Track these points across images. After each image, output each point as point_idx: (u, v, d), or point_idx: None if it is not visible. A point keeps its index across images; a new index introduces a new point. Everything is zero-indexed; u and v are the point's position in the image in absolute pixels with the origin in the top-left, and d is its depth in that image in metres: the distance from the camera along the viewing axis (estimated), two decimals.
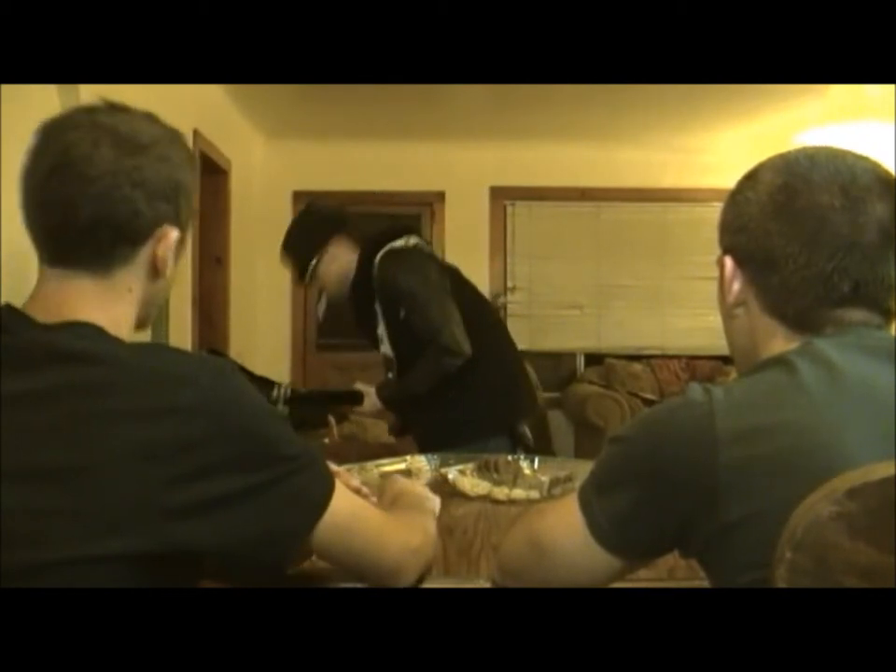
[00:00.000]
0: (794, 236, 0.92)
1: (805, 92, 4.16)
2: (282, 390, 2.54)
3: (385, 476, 1.63)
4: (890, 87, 3.94)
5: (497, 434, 2.64)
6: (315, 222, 2.79)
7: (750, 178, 0.99)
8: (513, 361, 2.85)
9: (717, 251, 1.02)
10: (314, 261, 2.71)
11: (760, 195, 0.95)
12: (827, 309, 0.92)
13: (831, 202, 0.91)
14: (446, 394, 2.61)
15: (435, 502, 1.44)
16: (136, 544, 0.85)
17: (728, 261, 0.98)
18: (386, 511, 1.24)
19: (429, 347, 2.56)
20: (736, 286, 0.98)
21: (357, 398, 2.72)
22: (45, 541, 0.84)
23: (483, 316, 2.80)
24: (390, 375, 2.78)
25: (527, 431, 2.79)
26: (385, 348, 2.76)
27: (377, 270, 2.66)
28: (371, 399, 2.69)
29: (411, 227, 2.87)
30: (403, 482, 1.51)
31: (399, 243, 2.71)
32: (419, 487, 1.49)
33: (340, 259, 2.72)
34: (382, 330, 2.75)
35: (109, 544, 0.84)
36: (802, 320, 0.93)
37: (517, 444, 2.71)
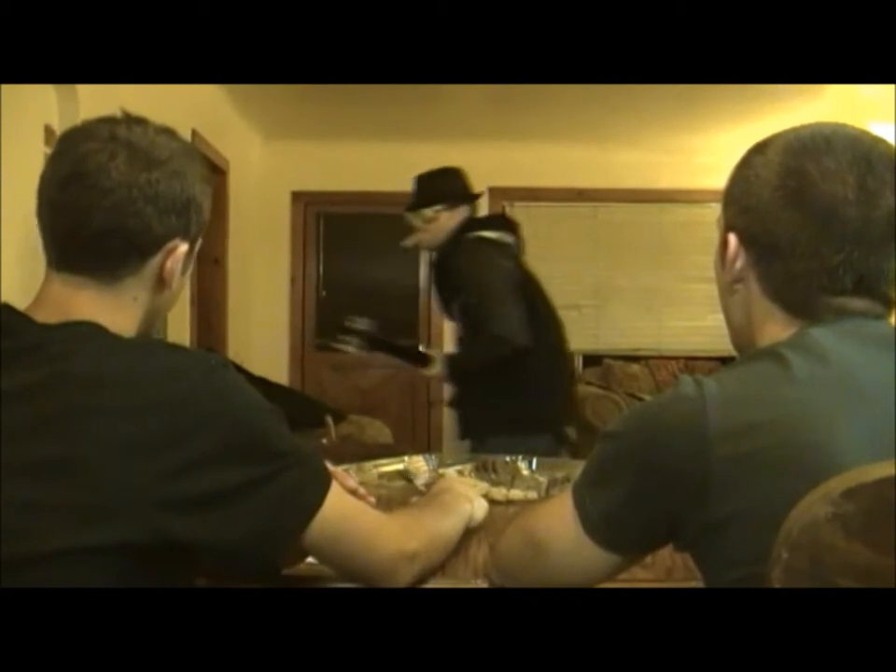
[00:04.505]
0: (803, 226, 0.90)
1: (800, 93, 4.17)
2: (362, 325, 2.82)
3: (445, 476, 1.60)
4: (885, 88, 3.94)
5: (538, 433, 2.73)
6: (463, 180, 2.94)
7: (762, 153, 0.95)
8: (566, 368, 3.04)
9: (713, 253, 1.01)
10: (437, 207, 2.86)
11: (770, 176, 0.92)
12: (828, 298, 0.91)
13: (845, 194, 0.88)
14: (500, 385, 2.73)
15: (475, 505, 1.40)
16: (128, 536, 0.86)
17: (732, 239, 0.96)
18: (412, 508, 1.24)
19: (484, 333, 2.71)
20: (738, 264, 0.96)
21: (425, 360, 2.90)
22: (37, 534, 0.84)
23: (549, 325, 2.93)
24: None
25: (572, 433, 2.91)
26: (456, 324, 2.94)
27: (461, 252, 2.83)
28: (438, 366, 2.83)
29: (512, 224, 3.03)
30: (452, 481, 1.49)
31: (491, 234, 2.87)
32: (465, 488, 1.46)
33: (449, 224, 2.86)
34: (455, 307, 2.90)
35: (101, 536, 0.85)
36: (801, 307, 0.92)
37: (562, 445, 2.84)
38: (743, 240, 0.95)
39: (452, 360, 2.84)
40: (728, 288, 0.99)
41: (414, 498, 1.32)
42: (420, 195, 2.91)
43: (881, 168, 0.89)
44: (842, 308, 0.91)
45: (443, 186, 2.90)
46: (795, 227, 0.90)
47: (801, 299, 0.92)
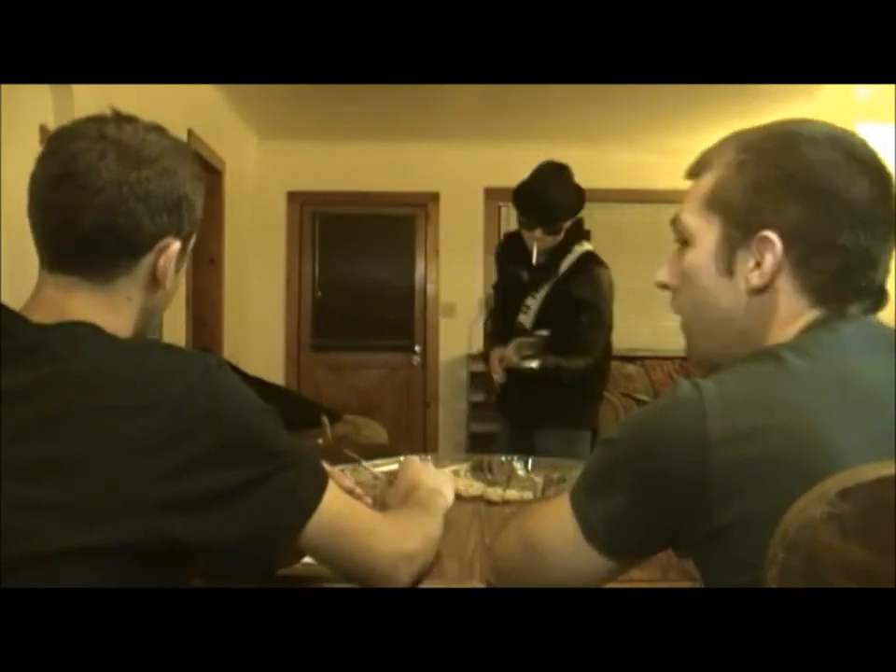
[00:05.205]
0: (848, 218, 0.89)
1: (795, 94, 4.17)
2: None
3: (404, 460, 1.61)
4: (879, 88, 3.95)
5: (581, 429, 2.92)
6: (579, 192, 2.98)
7: (792, 148, 0.93)
8: (609, 367, 3.18)
9: (706, 256, 0.99)
10: (567, 223, 2.94)
11: (808, 169, 0.91)
12: (859, 293, 0.92)
13: (872, 189, 0.90)
14: (552, 384, 2.88)
15: (447, 496, 1.43)
16: (126, 537, 0.86)
17: (776, 239, 0.91)
18: (397, 505, 1.25)
19: (582, 352, 2.86)
20: (776, 266, 0.91)
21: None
22: (35, 534, 0.84)
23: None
24: (518, 340, 2.96)
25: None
26: (526, 319, 3.00)
27: (574, 261, 2.95)
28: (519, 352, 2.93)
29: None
30: (416, 470, 1.49)
31: (590, 247, 3.02)
32: (432, 477, 1.47)
33: (563, 229, 2.94)
34: (534, 304, 2.99)
35: (99, 537, 0.85)
36: (838, 302, 0.92)
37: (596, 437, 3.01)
38: (784, 237, 0.91)
39: (550, 368, 2.89)
40: (752, 292, 0.94)
41: (368, 500, 1.32)
42: (555, 213, 2.91)
43: (885, 167, 0.93)
44: (867, 304, 0.92)
45: (572, 200, 2.93)
46: (841, 221, 0.90)
47: (839, 294, 0.92)
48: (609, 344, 3.00)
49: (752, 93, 4.15)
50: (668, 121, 5.18)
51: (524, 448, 2.67)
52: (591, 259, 2.98)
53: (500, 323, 3.13)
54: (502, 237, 3.23)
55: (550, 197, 2.87)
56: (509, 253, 3.13)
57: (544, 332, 2.90)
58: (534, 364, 2.86)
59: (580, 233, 3.02)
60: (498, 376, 3.00)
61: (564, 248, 2.95)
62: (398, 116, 5.19)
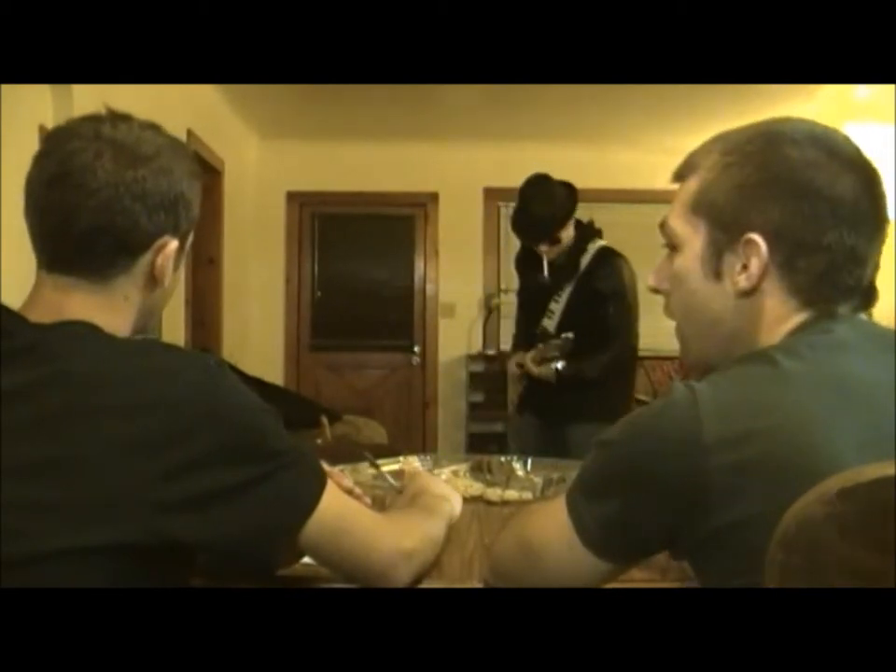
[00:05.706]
0: (833, 219, 0.89)
1: (795, 94, 4.17)
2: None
3: (411, 471, 1.63)
4: (879, 88, 3.95)
5: (609, 420, 2.89)
6: (567, 195, 3.03)
7: (775, 148, 0.92)
8: (634, 360, 3.28)
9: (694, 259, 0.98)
10: (564, 229, 3.00)
11: (792, 169, 0.90)
12: (847, 293, 0.92)
13: (857, 187, 0.90)
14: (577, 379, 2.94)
15: (454, 504, 1.43)
16: (126, 537, 0.86)
17: (761, 241, 0.90)
18: (401, 510, 1.25)
19: (611, 342, 2.96)
20: (762, 268, 0.91)
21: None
22: (35, 534, 0.84)
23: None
24: (540, 345, 3.03)
25: None
26: (550, 323, 3.06)
27: (592, 258, 3.02)
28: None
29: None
30: (425, 479, 1.50)
31: (604, 243, 3.10)
32: (440, 486, 1.47)
33: (569, 234, 3.02)
34: (557, 307, 3.05)
35: (99, 537, 0.85)
36: (826, 302, 0.91)
37: None
38: (769, 239, 0.91)
39: (572, 369, 2.95)
40: (740, 294, 0.93)
41: (367, 500, 1.33)
42: (546, 228, 2.97)
43: (868, 164, 0.92)
44: (857, 303, 0.92)
45: (560, 206, 2.98)
46: (825, 220, 0.89)
47: (827, 294, 0.91)
48: (636, 337, 3.08)
49: (752, 93, 4.14)
50: (668, 121, 5.18)
51: (554, 444, 2.80)
52: (608, 253, 3.05)
53: (524, 329, 3.19)
54: (519, 247, 3.27)
55: (535, 215, 2.95)
56: (526, 260, 3.18)
57: (569, 335, 2.94)
58: (559, 365, 2.92)
59: (591, 232, 3.08)
60: (517, 379, 3.07)
61: (579, 248, 3.01)
62: (398, 116, 5.19)
